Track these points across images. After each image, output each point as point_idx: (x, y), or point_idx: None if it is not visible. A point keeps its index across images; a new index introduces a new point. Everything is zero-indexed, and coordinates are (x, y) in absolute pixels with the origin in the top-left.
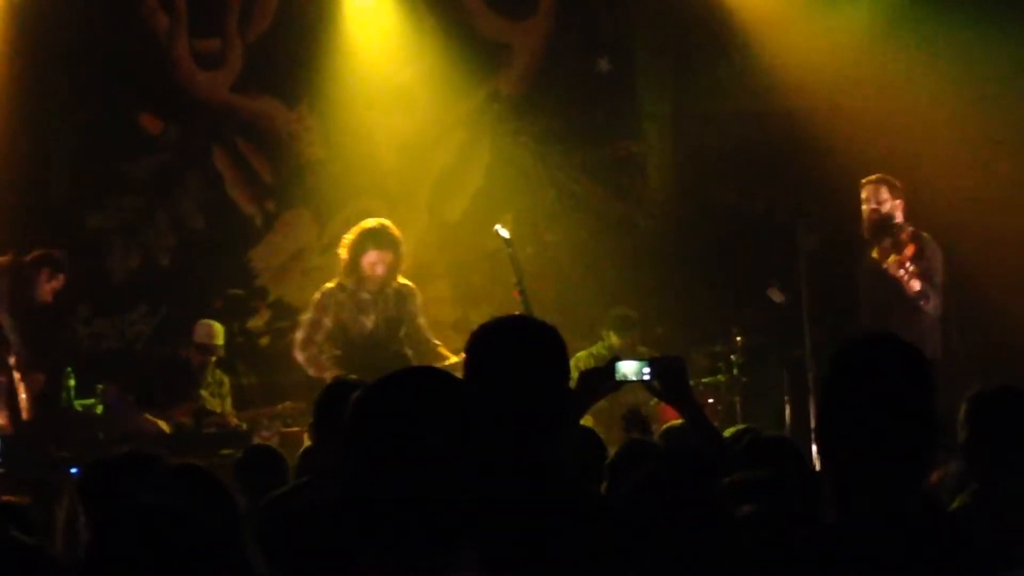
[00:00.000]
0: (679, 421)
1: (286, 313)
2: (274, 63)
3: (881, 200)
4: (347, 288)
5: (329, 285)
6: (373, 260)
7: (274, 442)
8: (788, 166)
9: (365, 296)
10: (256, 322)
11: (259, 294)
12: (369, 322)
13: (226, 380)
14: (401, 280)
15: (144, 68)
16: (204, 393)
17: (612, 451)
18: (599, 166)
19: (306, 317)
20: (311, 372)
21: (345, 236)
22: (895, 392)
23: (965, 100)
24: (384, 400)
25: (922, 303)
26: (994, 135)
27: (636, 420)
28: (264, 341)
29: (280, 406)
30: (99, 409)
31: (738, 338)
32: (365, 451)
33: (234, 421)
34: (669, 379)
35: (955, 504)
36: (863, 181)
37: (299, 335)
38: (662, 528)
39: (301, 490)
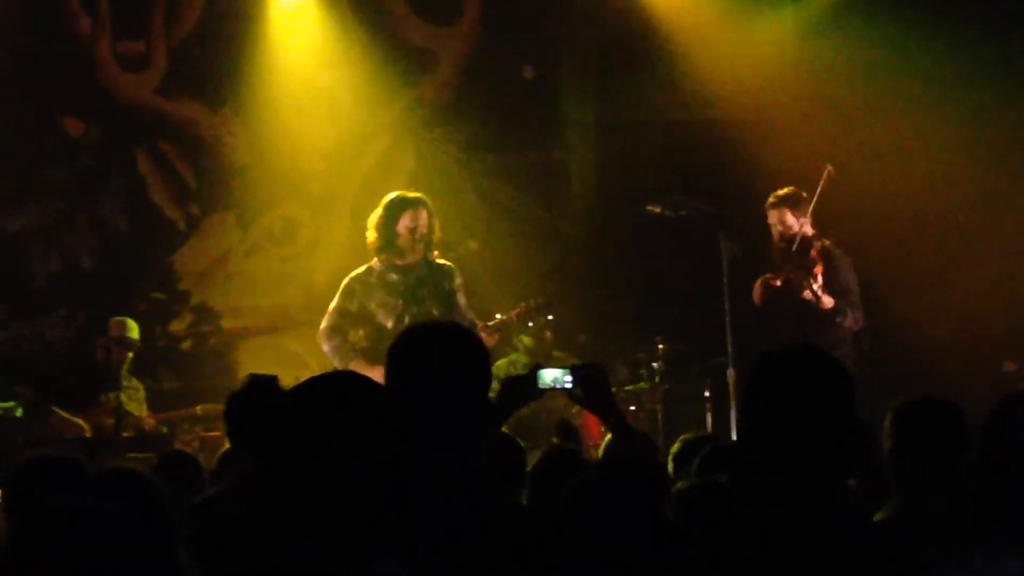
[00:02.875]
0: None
1: (208, 317)
2: (198, 67)
3: (787, 223)
4: (375, 271)
5: (357, 271)
6: (409, 222)
7: (194, 446)
8: (711, 175)
9: (394, 277)
10: (178, 326)
11: (181, 298)
12: (400, 306)
13: (141, 387)
14: (439, 259)
15: (66, 70)
16: (123, 397)
17: (533, 459)
18: (523, 173)
19: (332, 305)
20: (336, 363)
21: (369, 219)
22: (814, 403)
23: (887, 107)
24: (301, 407)
25: (839, 320)
26: (915, 140)
27: (566, 429)
28: (186, 345)
29: (198, 407)
30: (19, 412)
31: (660, 346)
32: (282, 457)
33: (152, 422)
34: (591, 386)
35: (879, 515)
36: (766, 205)
37: (324, 323)
38: (593, 537)
39: (221, 497)
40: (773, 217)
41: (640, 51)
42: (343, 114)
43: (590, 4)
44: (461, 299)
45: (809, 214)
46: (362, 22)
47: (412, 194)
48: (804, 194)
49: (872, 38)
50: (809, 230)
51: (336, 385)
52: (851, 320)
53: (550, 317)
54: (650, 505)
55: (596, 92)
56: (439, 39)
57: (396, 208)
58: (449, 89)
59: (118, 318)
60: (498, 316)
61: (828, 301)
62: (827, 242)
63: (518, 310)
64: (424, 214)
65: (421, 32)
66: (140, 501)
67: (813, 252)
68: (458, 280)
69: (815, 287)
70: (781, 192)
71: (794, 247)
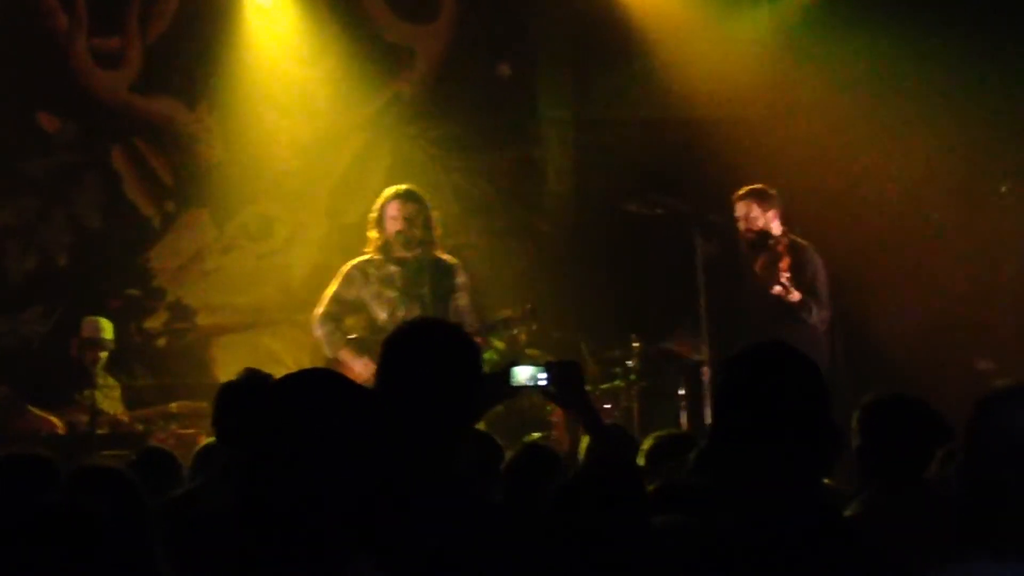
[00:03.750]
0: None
1: (184, 314)
2: (174, 63)
3: (752, 216)
4: (374, 261)
5: (360, 258)
6: (393, 213)
7: (169, 444)
8: (688, 173)
9: (392, 270)
10: (153, 323)
11: (157, 295)
12: (394, 299)
13: (117, 385)
14: (442, 255)
15: (42, 66)
16: (98, 395)
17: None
18: (499, 171)
19: (329, 291)
20: (327, 352)
21: (370, 214)
22: (785, 400)
23: (863, 105)
24: (281, 404)
25: (804, 315)
26: (890, 138)
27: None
28: (161, 342)
29: (174, 405)
30: None
31: (635, 344)
32: (262, 453)
33: (126, 423)
34: (565, 384)
35: (848, 511)
36: (733, 197)
37: (319, 308)
38: (574, 539)
39: (199, 492)
40: (740, 210)
41: (617, 49)
42: (319, 111)
43: (567, 2)
44: (462, 299)
45: (777, 211)
46: (338, 19)
47: (410, 190)
48: (773, 192)
49: (849, 37)
50: (777, 226)
51: (312, 383)
52: (816, 317)
53: (533, 327)
54: (629, 506)
55: (573, 90)
56: (416, 36)
57: (388, 199)
58: (426, 86)
59: (91, 318)
60: (501, 316)
61: (795, 296)
62: (796, 238)
63: (503, 317)
64: (410, 207)
65: (398, 29)
66: (118, 497)
67: (780, 246)
68: (461, 278)
69: (783, 279)
70: (748, 187)
71: (762, 241)
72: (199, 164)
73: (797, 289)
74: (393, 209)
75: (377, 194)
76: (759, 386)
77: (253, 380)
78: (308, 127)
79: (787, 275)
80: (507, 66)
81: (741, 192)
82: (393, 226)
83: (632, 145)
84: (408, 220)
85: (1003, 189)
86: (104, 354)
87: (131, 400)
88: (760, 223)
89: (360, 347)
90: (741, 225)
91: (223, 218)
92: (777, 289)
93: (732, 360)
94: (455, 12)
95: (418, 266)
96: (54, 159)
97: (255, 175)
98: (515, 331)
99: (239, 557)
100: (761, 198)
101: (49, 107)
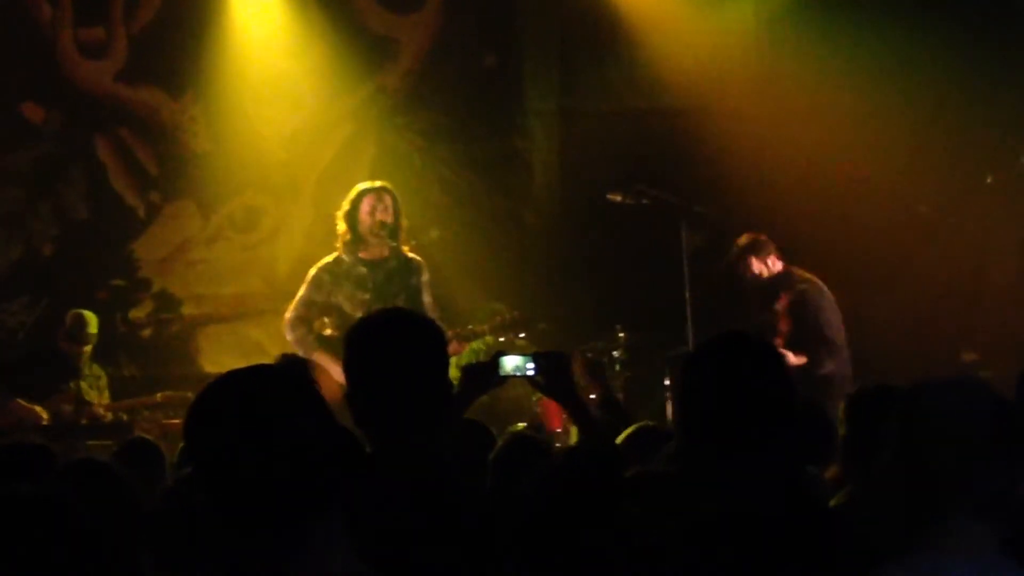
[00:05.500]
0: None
1: (169, 305)
2: (159, 53)
3: (752, 271)
4: (344, 262)
5: (326, 260)
6: (366, 208)
7: (154, 434)
8: (674, 164)
9: (363, 271)
10: (139, 313)
11: (142, 285)
12: (366, 299)
13: (103, 375)
14: (408, 252)
15: (27, 57)
16: (83, 385)
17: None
18: (485, 162)
19: (299, 295)
20: (300, 353)
21: (338, 211)
22: (747, 389)
23: (848, 97)
24: (235, 392)
25: (817, 371)
26: (876, 131)
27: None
28: (147, 332)
29: (159, 395)
30: None
31: (621, 335)
32: (219, 437)
33: (109, 416)
34: (553, 374)
35: (833, 503)
36: (730, 259)
37: (290, 313)
38: (552, 524)
39: (183, 484)
40: (740, 268)
41: (603, 40)
42: (305, 102)
43: None
44: (426, 297)
45: (773, 253)
46: (324, 10)
47: (382, 184)
48: (763, 237)
49: (833, 28)
50: (778, 266)
51: (255, 378)
52: (830, 367)
53: (522, 335)
54: (602, 493)
55: (558, 81)
56: (401, 27)
57: (358, 195)
58: (411, 77)
59: (75, 311)
60: (470, 327)
61: (793, 359)
62: (799, 282)
63: (492, 323)
64: (387, 199)
65: (383, 20)
66: (106, 492)
67: (779, 304)
68: (425, 276)
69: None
70: (740, 243)
71: (775, 286)
72: (184, 155)
73: (801, 348)
74: (367, 204)
75: None
76: (719, 375)
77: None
78: (294, 118)
79: (783, 339)
80: (493, 57)
81: (736, 251)
82: (373, 218)
83: (618, 136)
84: (391, 213)
85: (988, 180)
86: (88, 347)
87: (117, 390)
88: (765, 275)
89: (336, 348)
90: (748, 281)
91: (208, 209)
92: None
93: (695, 352)
94: (440, 3)
95: (388, 266)
96: (39, 150)
97: (240, 166)
98: (502, 338)
99: (210, 552)
100: (756, 250)
101: (34, 98)
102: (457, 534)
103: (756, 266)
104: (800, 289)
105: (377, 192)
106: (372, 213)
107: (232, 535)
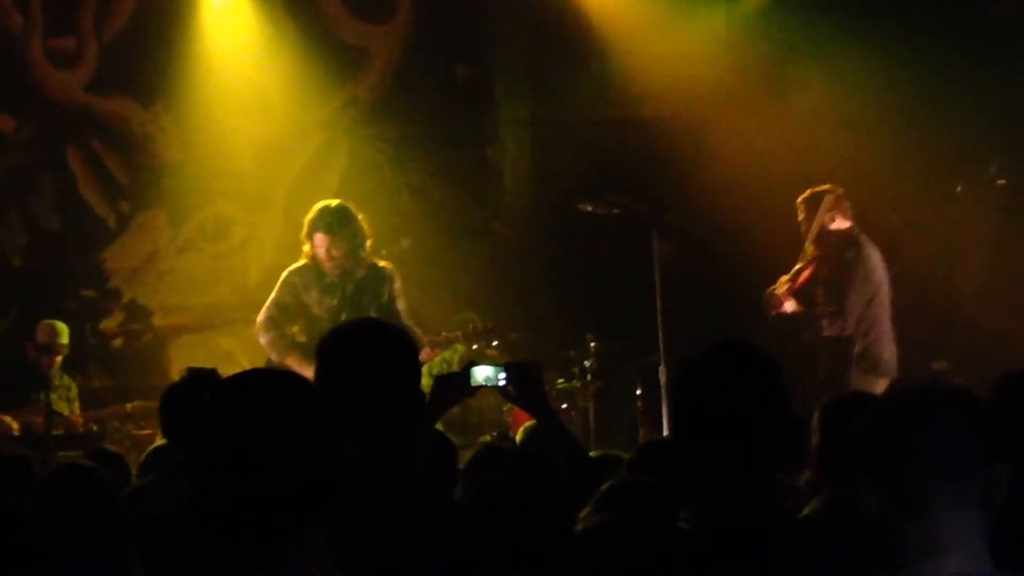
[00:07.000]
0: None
1: (140, 315)
2: (130, 63)
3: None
4: (313, 268)
5: (297, 264)
6: (319, 244)
7: (125, 445)
8: (645, 174)
9: (332, 280)
10: (109, 323)
11: (112, 295)
12: (334, 306)
13: (74, 385)
14: (378, 262)
15: None
16: (53, 396)
17: (465, 457)
18: (456, 172)
19: (270, 298)
20: (272, 356)
21: (301, 230)
22: (741, 399)
23: (821, 105)
24: (228, 401)
25: (824, 323)
26: (849, 139)
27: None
28: (117, 343)
29: (129, 405)
30: None
31: (592, 344)
32: (211, 450)
33: (80, 423)
34: (525, 384)
35: (806, 511)
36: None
37: (261, 316)
38: (507, 532)
39: (146, 490)
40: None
41: (574, 49)
42: (276, 112)
43: (524, 2)
44: (400, 304)
45: (832, 210)
46: (295, 19)
47: (337, 214)
48: (818, 190)
49: (805, 37)
50: (845, 223)
51: (261, 381)
52: (836, 327)
53: (495, 343)
54: (562, 504)
55: (529, 90)
56: (372, 37)
57: (313, 224)
58: (382, 87)
59: (47, 322)
60: (444, 334)
61: (789, 307)
62: (862, 244)
63: (464, 331)
64: (340, 242)
65: (354, 30)
66: (91, 499)
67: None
68: (397, 284)
69: (832, 321)
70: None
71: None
72: (155, 164)
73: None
74: (320, 240)
75: (334, 195)
76: (716, 383)
77: (196, 379)
78: (265, 128)
79: (786, 288)
80: (464, 67)
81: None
82: (321, 256)
83: (589, 145)
84: (343, 253)
85: (958, 190)
86: (59, 358)
87: (87, 401)
88: (817, 226)
89: (308, 352)
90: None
91: (179, 219)
92: (826, 331)
93: (692, 360)
94: (411, 12)
95: (356, 276)
96: (9, 159)
97: (211, 175)
98: (474, 346)
99: (186, 555)
100: (808, 204)
101: (4, 107)
102: (432, 544)
103: (827, 220)
104: (863, 253)
105: (330, 228)
106: (327, 251)
107: (214, 544)
